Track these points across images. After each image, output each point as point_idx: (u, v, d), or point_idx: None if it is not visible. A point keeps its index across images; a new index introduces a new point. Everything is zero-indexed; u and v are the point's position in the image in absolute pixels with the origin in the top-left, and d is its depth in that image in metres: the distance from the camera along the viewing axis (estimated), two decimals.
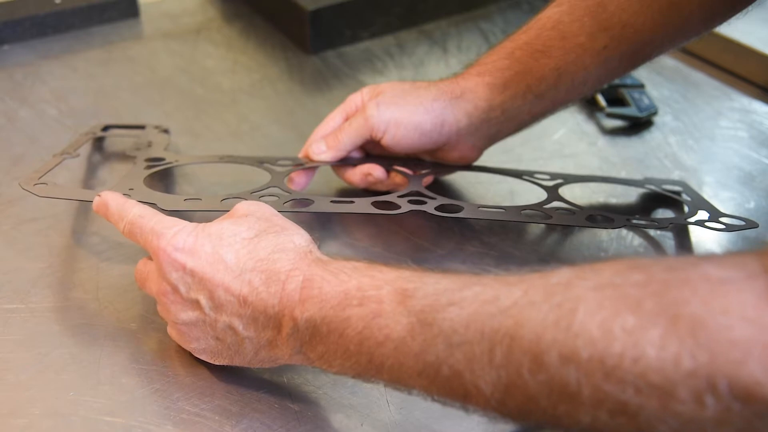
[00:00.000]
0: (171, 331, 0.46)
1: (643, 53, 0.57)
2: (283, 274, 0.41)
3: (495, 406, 0.34)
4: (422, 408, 0.44)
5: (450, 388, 0.35)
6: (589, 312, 0.32)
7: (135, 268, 0.47)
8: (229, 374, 0.46)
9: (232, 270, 0.41)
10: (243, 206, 0.46)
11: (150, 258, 0.46)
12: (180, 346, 0.47)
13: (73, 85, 0.74)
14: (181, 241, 0.42)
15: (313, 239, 0.44)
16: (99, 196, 0.48)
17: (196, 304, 0.42)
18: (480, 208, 0.54)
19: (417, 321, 0.36)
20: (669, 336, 0.30)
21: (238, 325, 0.42)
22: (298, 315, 0.40)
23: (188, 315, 0.43)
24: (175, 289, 0.43)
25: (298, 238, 0.43)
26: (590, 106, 0.74)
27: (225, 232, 0.43)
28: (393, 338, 0.37)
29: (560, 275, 0.34)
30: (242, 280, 0.41)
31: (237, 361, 0.44)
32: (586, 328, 0.31)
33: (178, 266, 0.42)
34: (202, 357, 0.45)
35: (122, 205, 0.47)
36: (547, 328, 0.32)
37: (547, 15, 0.57)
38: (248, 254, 0.42)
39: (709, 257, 0.33)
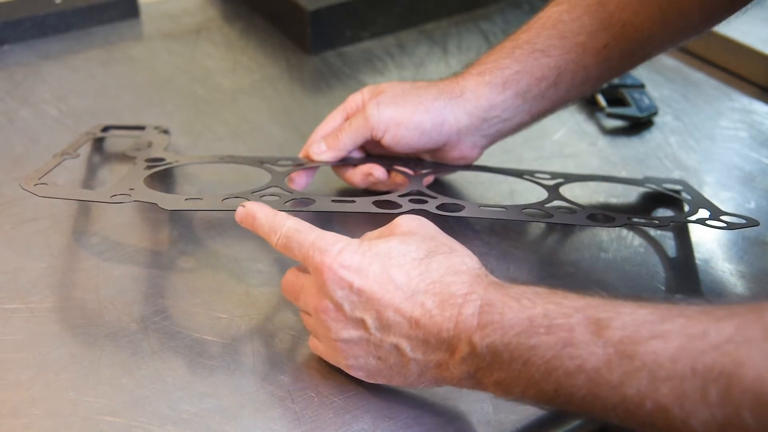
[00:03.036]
0: (319, 345, 0.45)
1: (643, 52, 0.57)
2: (459, 297, 0.40)
3: None
4: (421, 408, 0.44)
5: (653, 422, 0.34)
6: None
7: (283, 279, 0.46)
8: (228, 374, 0.46)
9: (403, 291, 0.40)
10: (405, 222, 0.44)
11: (300, 270, 0.46)
12: (178, 346, 0.47)
13: (73, 85, 0.74)
14: (348, 259, 0.41)
15: None
16: (243, 206, 0.47)
17: (360, 324, 0.42)
18: (481, 207, 0.54)
19: (615, 352, 0.35)
20: None
21: (406, 346, 0.41)
22: (477, 341, 0.38)
23: (350, 333, 0.42)
24: (339, 307, 0.42)
25: (469, 259, 0.42)
26: (590, 106, 0.74)
27: (394, 251, 0.42)
28: (586, 369, 0.35)
29: None
30: (414, 302, 0.40)
31: (396, 381, 0.43)
32: None
33: (344, 284, 0.41)
34: (357, 374, 0.44)
35: (273, 218, 0.45)
36: None
37: (547, 14, 0.57)
38: (419, 275, 0.41)
39: None
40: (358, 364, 0.43)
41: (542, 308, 0.38)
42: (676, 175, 0.66)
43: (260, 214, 0.46)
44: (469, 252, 0.43)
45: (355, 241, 0.43)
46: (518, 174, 0.61)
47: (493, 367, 0.39)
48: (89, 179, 0.62)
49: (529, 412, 0.45)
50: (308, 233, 0.43)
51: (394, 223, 0.45)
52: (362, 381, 0.45)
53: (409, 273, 0.41)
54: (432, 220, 0.45)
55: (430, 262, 0.41)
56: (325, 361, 0.47)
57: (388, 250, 0.42)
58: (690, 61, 0.81)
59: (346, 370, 0.44)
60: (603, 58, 0.56)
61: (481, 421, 0.44)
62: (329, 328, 0.43)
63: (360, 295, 0.41)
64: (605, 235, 0.59)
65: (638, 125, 0.72)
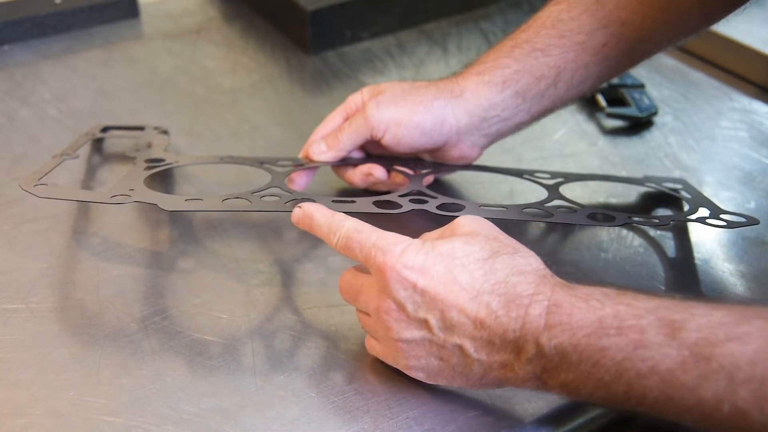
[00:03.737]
0: (377, 346, 0.45)
1: (642, 50, 0.57)
2: (525, 298, 0.40)
3: None
4: (421, 408, 0.45)
5: (731, 425, 0.34)
6: None
7: (341, 279, 0.46)
8: (228, 374, 0.46)
9: (467, 291, 0.40)
10: (466, 222, 0.44)
11: (359, 270, 0.45)
12: (178, 346, 0.47)
13: (73, 85, 0.74)
14: (411, 259, 0.41)
15: (314, 239, 0.44)
16: (300, 207, 0.47)
17: (423, 324, 0.41)
18: (481, 207, 0.53)
19: (690, 354, 0.35)
20: None
21: (470, 347, 0.41)
22: (545, 342, 0.38)
23: (413, 334, 0.42)
24: (402, 307, 0.41)
25: (533, 260, 0.42)
26: (590, 106, 0.74)
27: (457, 251, 0.41)
28: (659, 371, 0.35)
29: None
30: (479, 302, 0.40)
31: (457, 382, 0.43)
32: None
33: (407, 284, 0.41)
34: (416, 375, 0.44)
35: (332, 219, 0.45)
36: None
37: (546, 13, 0.57)
38: (484, 276, 0.40)
39: None
40: (419, 364, 0.43)
41: (612, 309, 0.38)
42: (676, 174, 0.66)
43: (318, 215, 0.46)
44: (532, 252, 0.43)
45: (417, 241, 0.42)
46: (518, 174, 0.61)
47: (560, 368, 0.38)
48: (89, 180, 0.62)
49: (528, 412, 0.45)
50: (369, 233, 0.43)
51: (455, 223, 0.45)
52: (362, 381, 0.45)
53: (473, 273, 0.41)
54: (432, 221, 0.45)
55: (494, 263, 0.41)
56: (325, 361, 0.47)
57: (451, 250, 0.41)
58: (690, 61, 0.81)
59: (405, 371, 0.44)
60: (602, 57, 0.56)
61: (480, 420, 0.44)
62: (390, 328, 0.42)
63: (423, 295, 0.41)
64: (605, 235, 0.59)
65: (638, 125, 0.72)
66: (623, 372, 0.36)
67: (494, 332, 0.40)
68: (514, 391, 0.45)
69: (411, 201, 0.53)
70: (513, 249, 0.42)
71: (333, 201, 0.53)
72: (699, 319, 0.36)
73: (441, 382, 0.44)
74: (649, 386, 0.36)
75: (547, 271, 0.42)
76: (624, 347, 0.36)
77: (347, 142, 0.57)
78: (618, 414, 0.46)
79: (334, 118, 0.59)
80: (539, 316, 0.39)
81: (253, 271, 0.54)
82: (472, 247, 0.42)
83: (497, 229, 0.45)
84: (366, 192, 0.61)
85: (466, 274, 0.41)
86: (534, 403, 0.45)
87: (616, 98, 0.73)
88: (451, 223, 0.45)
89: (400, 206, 0.52)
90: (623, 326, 0.37)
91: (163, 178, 0.62)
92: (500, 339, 0.40)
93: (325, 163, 0.59)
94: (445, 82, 0.57)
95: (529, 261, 0.42)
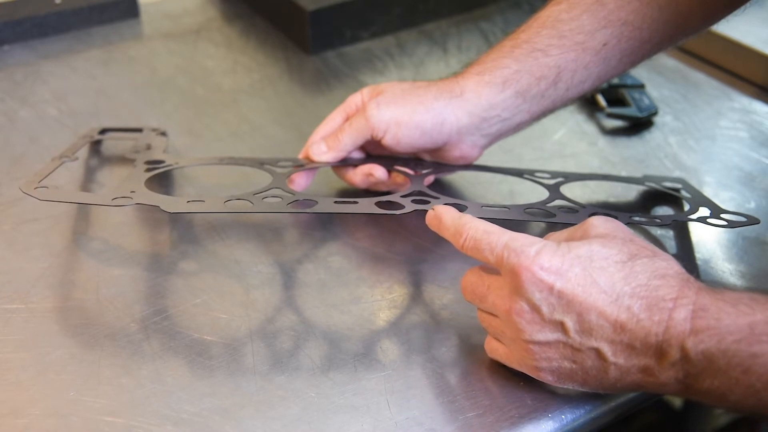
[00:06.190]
0: (500, 348, 0.45)
1: (642, 51, 0.57)
2: (669, 301, 0.39)
3: None
4: (421, 408, 0.45)
5: None
6: None
7: (464, 279, 0.46)
8: (228, 374, 0.46)
9: (607, 294, 0.40)
10: (599, 224, 0.44)
11: (484, 270, 0.45)
12: (178, 346, 0.47)
13: (73, 85, 0.74)
14: (547, 261, 0.40)
15: (314, 239, 0.44)
16: (433, 209, 0.47)
17: (559, 326, 0.41)
18: (484, 208, 0.53)
19: None
20: None
21: (608, 350, 0.40)
22: (691, 346, 0.38)
23: (546, 336, 0.41)
24: (536, 309, 0.41)
25: (674, 263, 0.41)
26: (590, 106, 0.74)
27: (595, 254, 0.41)
28: None
29: None
30: (619, 306, 0.40)
31: (590, 386, 0.43)
32: None
33: (543, 286, 0.40)
34: (545, 377, 0.43)
35: (458, 220, 0.45)
36: None
37: (546, 13, 0.57)
38: (623, 279, 0.40)
39: None
40: (550, 366, 0.42)
41: (763, 315, 0.37)
42: (676, 174, 0.66)
43: (446, 216, 0.46)
44: (670, 256, 0.42)
45: (552, 242, 0.42)
46: (518, 173, 0.61)
47: (705, 374, 0.38)
48: (89, 181, 0.62)
49: (525, 410, 0.45)
50: (500, 235, 0.43)
51: (588, 224, 0.44)
52: (362, 381, 0.45)
53: (612, 276, 0.40)
54: None
55: (634, 266, 0.41)
56: (325, 361, 0.47)
57: (589, 252, 0.41)
58: (690, 61, 0.81)
59: (532, 373, 0.44)
60: (602, 57, 0.56)
61: (480, 420, 0.44)
62: (522, 330, 0.42)
63: (560, 298, 0.40)
64: None
65: (638, 125, 0.72)
66: None
67: (635, 336, 0.39)
68: (514, 392, 0.45)
69: (413, 201, 0.53)
70: (651, 252, 0.42)
71: (335, 202, 0.53)
72: None
73: (571, 385, 0.43)
74: None
75: (689, 275, 0.41)
76: None
77: (347, 142, 0.57)
78: (618, 414, 0.46)
79: (334, 119, 0.59)
80: (684, 320, 0.38)
81: (253, 272, 0.54)
82: (610, 250, 0.41)
83: (631, 231, 0.44)
84: (367, 192, 0.61)
85: (605, 277, 0.40)
86: (534, 404, 0.45)
87: (616, 98, 0.73)
88: (581, 224, 0.45)
89: (402, 207, 0.52)
90: None
91: (163, 180, 0.62)
92: (641, 343, 0.39)
93: (326, 164, 0.59)
94: (445, 82, 0.57)
95: (670, 264, 0.41)
